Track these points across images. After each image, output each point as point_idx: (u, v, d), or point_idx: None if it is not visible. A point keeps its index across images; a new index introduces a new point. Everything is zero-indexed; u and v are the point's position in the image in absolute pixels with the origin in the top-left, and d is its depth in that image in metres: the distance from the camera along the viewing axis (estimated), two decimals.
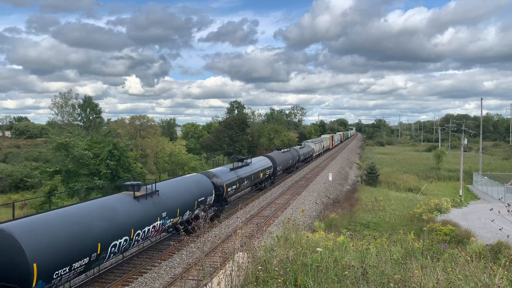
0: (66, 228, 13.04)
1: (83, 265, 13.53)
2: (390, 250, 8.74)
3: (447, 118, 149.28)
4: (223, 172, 27.49)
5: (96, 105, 61.49)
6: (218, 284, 6.87)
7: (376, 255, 8.15)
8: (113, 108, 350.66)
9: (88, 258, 13.63)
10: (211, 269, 15.91)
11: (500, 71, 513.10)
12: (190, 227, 19.76)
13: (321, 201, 36.68)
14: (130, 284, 16.89)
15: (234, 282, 6.92)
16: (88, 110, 60.47)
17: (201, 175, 25.58)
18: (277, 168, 41.52)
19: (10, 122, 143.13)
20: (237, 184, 28.82)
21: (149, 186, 18.54)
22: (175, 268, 18.70)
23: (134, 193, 17.35)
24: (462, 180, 43.57)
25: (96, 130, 54.33)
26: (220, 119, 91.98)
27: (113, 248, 15.03)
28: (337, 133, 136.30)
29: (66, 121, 58.58)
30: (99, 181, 32.45)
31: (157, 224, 18.14)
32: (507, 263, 6.35)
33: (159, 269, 18.59)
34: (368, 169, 52.78)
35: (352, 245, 9.67)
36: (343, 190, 45.94)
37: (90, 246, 13.71)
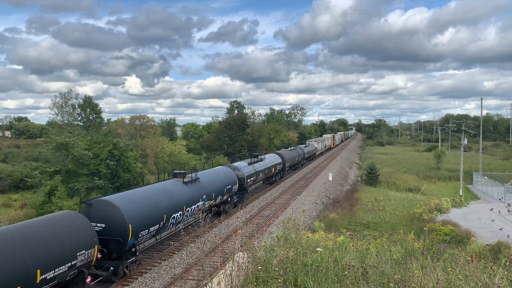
0: (145, 202, 18.00)
1: (155, 230, 18.29)
2: (390, 250, 8.75)
3: (447, 118, 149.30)
4: (243, 166, 32.27)
5: (96, 105, 61.47)
6: (218, 284, 6.87)
7: (376, 255, 8.15)
8: (113, 108, 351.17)
9: (158, 225, 18.49)
10: (211, 269, 15.91)
11: (500, 71, 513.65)
12: (219, 209, 27.14)
13: (321, 201, 36.68)
14: (130, 284, 16.89)
15: (234, 282, 6.92)
16: (88, 110, 60.43)
17: (227, 167, 30.41)
18: (286, 164, 45.57)
19: (10, 122, 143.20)
20: (255, 176, 33.69)
21: (192, 174, 23.33)
22: (175, 268, 18.70)
23: (183, 179, 22.19)
24: (462, 180, 43.56)
25: (96, 130, 54.31)
26: (220, 119, 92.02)
27: (172, 220, 19.89)
28: (337, 133, 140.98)
29: (66, 121, 58.55)
30: (99, 181, 32.43)
31: (199, 204, 22.82)
32: (507, 263, 6.35)
33: (159, 269, 18.58)
34: (368, 169, 52.77)
35: (352, 245, 9.66)
36: (343, 190, 45.94)
37: (159, 216, 18.52)
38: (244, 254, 8.00)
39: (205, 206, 23.83)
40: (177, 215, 20.19)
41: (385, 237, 11.56)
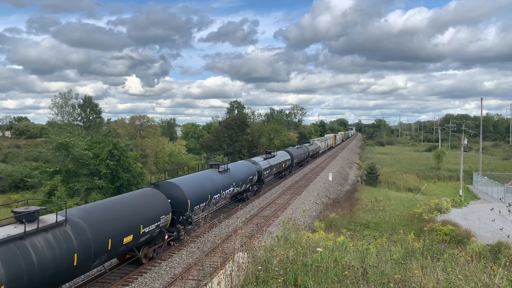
0: (197, 184, 23.57)
1: (202, 206, 23.78)
2: (390, 250, 8.74)
3: (447, 118, 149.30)
4: (260, 160, 37.69)
5: (96, 105, 61.48)
6: (218, 284, 6.87)
7: (376, 255, 8.14)
8: (113, 108, 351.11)
9: (204, 202, 23.85)
10: (211, 269, 15.91)
11: (500, 71, 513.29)
12: (243, 196, 32.70)
13: (321, 201, 36.68)
14: (130, 284, 16.89)
15: (234, 282, 6.92)
16: (88, 110, 60.45)
17: (248, 161, 35.88)
18: (294, 161, 50.59)
19: (10, 122, 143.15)
20: (270, 170, 39.19)
21: (224, 166, 28.84)
22: (175, 268, 18.70)
23: (218, 169, 27.70)
24: (462, 180, 43.56)
25: (96, 130, 54.29)
26: (220, 119, 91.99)
27: (213, 199, 25.21)
28: (338, 132, 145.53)
29: (66, 121, 58.56)
30: (99, 181, 32.42)
31: (230, 190, 28.15)
32: (507, 263, 6.35)
33: (159, 269, 18.58)
34: (368, 169, 52.77)
35: (352, 245, 9.66)
36: (343, 190, 45.93)
37: (206, 196, 23.92)
38: (244, 254, 8.00)
39: (234, 191, 29.12)
40: (216, 196, 25.58)
41: (385, 237, 11.56)
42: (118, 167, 34.14)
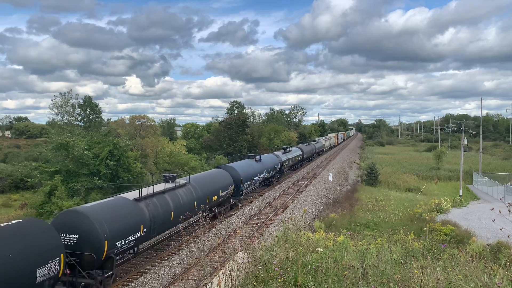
0: (245, 168, 32.35)
1: (248, 184, 32.26)
2: (390, 250, 8.74)
3: (447, 118, 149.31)
4: (280, 154, 46.14)
5: (96, 105, 61.45)
6: (218, 284, 6.87)
7: (376, 255, 8.15)
8: (113, 108, 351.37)
9: (250, 181, 32.47)
10: (211, 269, 15.91)
11: (501, 71, 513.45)
12: (269, 181, 40.55)
13: (321, 201, 36.68)
14: (130, 284, 16.89)
15: (234, 282, 6.92)
16: (88, 110, 60.41)
17: (272, 154, 43.90)
18: (304, 156, 59.41)
19: (10, 122, 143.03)
20: (287, 161, 47.62)
21: (258, 156, 37.51)
22: (175, 268, 18.70)
23: (255, 159, 36.37)
24: (462, 180, 43.55)
25: (96, 130, 54.28)
26: (220, 119, 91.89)
27: (254, 180, 33.82)
28: (340, 132, 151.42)
29: (66, 121, 58.52)
30: (99, 181, 32.40)
31: (263, 175, 36.64)
32: (507, 263, 6.35)
33: (159, 269, 18.58)
34: (368, 169, 52.76)
35: (352, 245, 9.66)
36: (343, 190, 45.93)
37: (250, 176, 32.43)
38: (244, 254, 8.00)
39: (265, 176, 37.80)
40: (255, 178, 33.92)
41: (385, 237, 11.56)
42: (118, 167, 34.14)
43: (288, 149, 51.12)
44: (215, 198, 25.30)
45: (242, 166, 32.02)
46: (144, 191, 18.17)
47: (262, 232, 24.03)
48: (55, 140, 33.99)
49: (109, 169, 33.46)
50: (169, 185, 20.80)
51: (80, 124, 59.46)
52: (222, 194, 26.58)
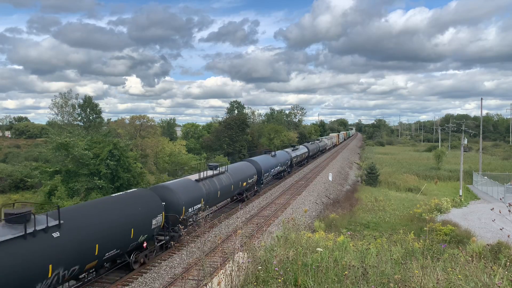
0: (265, 161, 38.56)
1: (266, 175, 38.26)
2: (390, 250, 8.74)
3: (447, 118, 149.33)
4: (290, 151, 52.19)
5: (96, 105, 61.41)
6: (218, 284, 6.87)
7: (376, 255, 8.15)
8: (113, 108, 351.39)
9: (268, 173, 38.40)
10: (211, 269, 15.91)
11: (501, 71, 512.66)
12: (281, 174, 46.21)
13: (321, 201, 36.67)
14: (130, 284, 16.89)
15: (234, 282, 6.92)
16: (88, 110, 60.37)
17: (284, 151, 50.02)
18: (310, 153, 65.21)
19: (10, 122, 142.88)
20: (296, 158, 53.76)
21: (273, 152, 43.99)
22: (175, 268, 18.70)
23: (271, 154, 42.40)
24: (462, 180, 43.55)
25: (96, 130, 54.25)
26: (220, 119, 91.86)
27: (271, 172, 39.72)
28: (341, 132, 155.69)
29: (66, 121, 58.49)
30: (99, 181, 32.38)
31: (277, 168, 42.37)
32: (507, 263, 6.35)
33: (159, 269, 18.58)
34: (368, 169, 52.76)
35: (352, 245, 9.66)
36: (343, 190, 45.93)
37: (268, 169, 38.53)
38: (244, 254, 8.00)
39: (279, 170, 43.28)
40: (272, 170, 40.29)
41: (385, 237, 11.57)
42: (118, 167, 34.10)
43: (296, 147, 58.47)
44: (244, 184, 31.86)
45: (263, 159, 38.86)
46: (202, 175, 24.89)
47: (262, 232, 24.05)
48: (55, 140, 33.95)
49: (109, 169, 33.44)
50: (215, 172, 27.45)
51: (80, 124, 59.42)
52: (249, 181, 33.05)
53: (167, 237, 20.44)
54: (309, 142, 74.65)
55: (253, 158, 37.72)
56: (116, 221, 15.84)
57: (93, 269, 15.22)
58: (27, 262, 11.49)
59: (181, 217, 20.49)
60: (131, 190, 19.73)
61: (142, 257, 18.38)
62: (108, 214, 15.77)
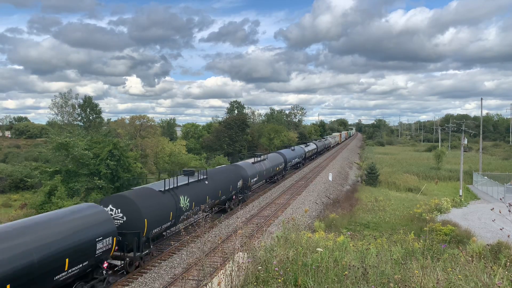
0: (288, 155, 50.77)
1: (292, 164, 53.17)
2: (390, 250, 8.74)
3: (447, 118, 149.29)
4: (304, 147, 62.58)
5: (96, 105, 61.43)
6: (218, 284, 6.87)
7: (376, 255, 8.15)
8: (114, 108, 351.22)
9: (290, 163, 50.22)
10: (211, 269, 15.91)
11: (501, 71, 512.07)
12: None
13: (321, 201, 36.67)
14: (130, 284, 16.89)
15: (234, 282, 6.92)
16: (88, 110, 60.40)
17: (300, 146, 60.61)
18: (318, 149, 75.42)
19: (10, 122, 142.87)
20: (309, 152, 63.89)
21: (292, 148, 56.18)
22: (175, 268, 18.70)
23: (291, 149, 54.26)
24: (462, 180, 43.55)
25: (96, 130, 54.26)
26: (220, 119, 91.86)
27: (292, 162, 51.55)
28: (342, 132, 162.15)
29: (66, 121, 58.51)
30: (99, 181, 32.40)
31: (296, 159, 53.95)
32: (507, 263, 6.35)
33: (159, 269, 18.58)
34: (368, 169, 52.75)
35: (352, 245, 9.66)
36: (343, 190, 45.93)
37: (292, 159, 51.26)
38: (244, 254, 8.00)
39: (297, 161, 55.04)
40: (293, 160, 49.90)
41: (385, 237, 11.57)
42: (118, 167, 34.12)
43: (308, 144, 68.77)
44: (277, 169, 42.90)
45: (287, 152, 50.21)
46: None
47: (262, 232, 24.05)
48: (55, 140, 33.97)
49: (109, 169, 33.45)
50: (259, 158, 37.84)
51: (80, 124, 59.45)
52: (280, 167, 44.00)
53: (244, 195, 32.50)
54: (317, 140, 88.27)
55: (281, 151, 50.59)
56: (225, 181, 27.93)
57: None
58: (200, 192, 23.77)
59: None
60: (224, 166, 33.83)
61: (231, 204, 29.87)
62: (225, 177, 28.33)
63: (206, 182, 24.99)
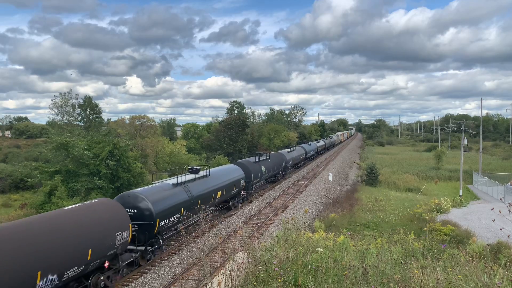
0: (308, 148, 65.99)
1: (309, 156, 66.51)
2: (390, 250, 8.74)
3: (447, 118, 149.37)
4: (315, 143, 75.50)
5: (96, 105, 61.47)
6: (218, 284, 6.87)
7: (376, 255, 8.15)
8: (114, 108, 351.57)
9: (309, 154, 65.68)
10: (211, 269, 15.92)
11: (501, 71, 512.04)
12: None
13: (321, 201, 36.67)
14: (130, 284, 16.89)
15: (234, 282, 6.92)
16: (88, 110, 60.43)
17: (313, 143, 74.91)
18: (326, 146, 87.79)
19: (10, 122, 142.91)
20: (320, 148, 78.60)
21: (309, 143, 71.36)
22: (175, 268, 18.70)
23: (307, 144, 69.05)
24: (462, 180, 43.56)
25: (96, 130, 54.26)
26: (220, 119, 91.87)
27: (309, 154, 65.79)
28: (344, 132, 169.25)
29: (66, 121, 58.55)
30: (99, 181, 32.39)
31: (311, 152, 67.86)
32: (507, 263, 6.35)
33: (159, 269, 18.58)
34: (368, 169, 52.74)
35: (352, 245, 9.66)
36: (343, 190, 45.93)
37: (309, 152, 66.25)
38: (244, 254, 8.00)
39: (312, 154, 64.35)
40: (310, 152, 65.10)
41: (385, 237, 11.57)
42: (118, 167, 34.09)
43: (318, 140, 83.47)
44: (302, 157, 54.00)
45: (305, 146, 62.01)
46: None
47: (262, 232, 24.05)
48: (55, 140, 33.95)
49: (109, 169, 33.43)
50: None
51: (80, 124, 59.47)
52: (301, 158, 54.78)
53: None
54: (325, 138, 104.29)
55: (301, 145, 61.75)
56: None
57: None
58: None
59: None
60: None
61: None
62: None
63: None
